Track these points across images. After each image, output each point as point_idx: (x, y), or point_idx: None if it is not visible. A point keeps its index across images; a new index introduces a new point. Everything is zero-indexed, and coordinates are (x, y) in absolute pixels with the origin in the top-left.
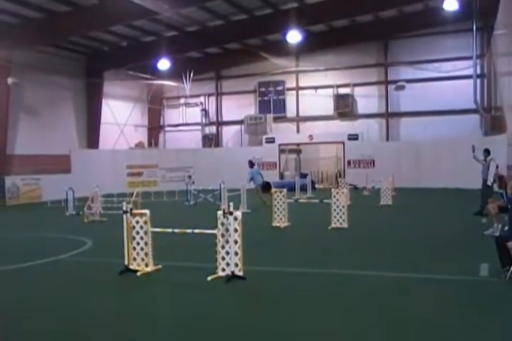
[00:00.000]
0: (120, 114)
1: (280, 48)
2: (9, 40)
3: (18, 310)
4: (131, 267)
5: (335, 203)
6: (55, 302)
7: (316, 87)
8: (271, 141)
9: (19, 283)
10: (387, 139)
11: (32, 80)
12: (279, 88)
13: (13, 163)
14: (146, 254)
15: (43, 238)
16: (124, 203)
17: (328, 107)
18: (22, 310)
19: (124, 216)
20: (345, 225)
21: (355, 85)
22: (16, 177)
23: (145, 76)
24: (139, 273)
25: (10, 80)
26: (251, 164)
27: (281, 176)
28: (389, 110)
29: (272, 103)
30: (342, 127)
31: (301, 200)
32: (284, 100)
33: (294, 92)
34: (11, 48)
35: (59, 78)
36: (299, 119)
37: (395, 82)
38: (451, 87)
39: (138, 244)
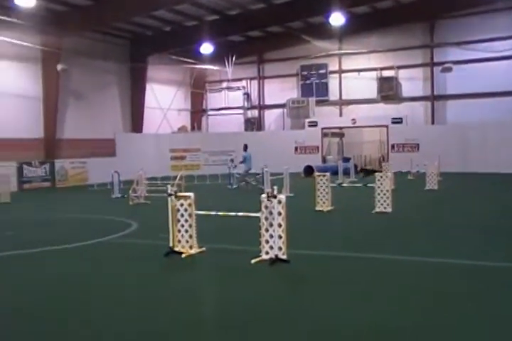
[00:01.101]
0: (163, 98)
1: (323, 31)
2: (58, 28)
3: (67, 287)
4: (176, 249)
5: (379, 187)
6: (102, 282)
7: (359, 70)
8: (313, 124)
9: (69, 263)
10: (433, 122)
11: (79, 66)
12: (322, 71)
13: (61, 147)
14: (191, 236)
15: (90, 219)
16: (169, 186)
17: (371, 90)
18: (71, 286)
19: (169, 199)
20: (389, 209)
21: (399, 67)
22: (64, 161)
23: (188, 60)
24: (183, 255)
25: (59, 66)
26: (245, 147)
27: (324, 160)
28: (434, 93)
29: (314, 86)
30: (386, 110)
31: (344, 184)
32: (326, 83)
33: (337, 75)
34: (61, 35)
35: (105, 63)
36: (341, 103)
37: (441, 63)
38: (503, 67)
39: (182, 226)
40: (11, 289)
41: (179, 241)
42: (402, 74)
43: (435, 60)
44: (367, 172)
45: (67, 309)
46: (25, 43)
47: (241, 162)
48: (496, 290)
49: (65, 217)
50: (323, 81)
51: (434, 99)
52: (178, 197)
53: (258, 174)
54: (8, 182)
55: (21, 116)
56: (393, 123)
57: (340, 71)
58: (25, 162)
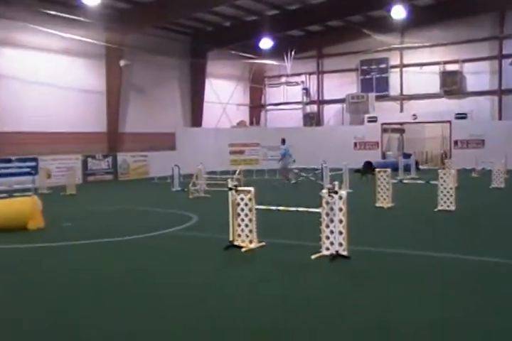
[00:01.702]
0: (223, 93)
1: (384, 24)
2: (122, 25)
3: (127, 278)
4: (235, 243)
5: (442, 184)
6: (163, 274)
7: (421, 64)
8: (373, 120)
9: (128, 254)
10: (500, 118)
11: (141, 61)
12: (382, 66)
13: (124, 141)
14: (251, 231)
15: (151, 212)
16: (229, 180)
17: (433, 85)
18: (131, 277)
19: (229, 193)
20: (452, 208)
21: (464, 61)
22: (126, 154)
23: (247, 55)
24: (243, 249)
25: (122, 62)
26: (283, 142)
27: (383, 156)
28: (502, 87)
29: (374, 81)
30: (449, 105)
31: (405, 181)
32: (387, 78)
33: (398, 70)
34: (124, 32)
35: (166, 59)
36: (402, 98)
37: (510, 56)
38: None
39: (242, 220)
40: (73, 278)
41: (239, 236)
42: (467, 67)
43: (504, 52)
44: (364, 173)
45: (130, 299)
46: (90, 40)
47: (280, 159)
48: None
49: (127, 209)
50: (383, 75)
51: (502, 93)
52: (238, 192)
53: (317, 169)
54: (74, 174)
55: (86, 110)
56: (457, 118)
57: (402, 65)
58: (89, 155)
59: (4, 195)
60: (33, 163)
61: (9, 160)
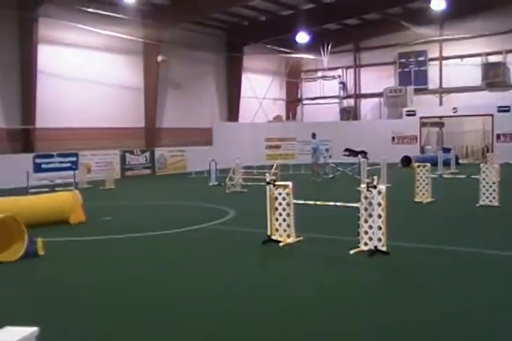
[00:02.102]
0: (259, 88)
1: (423, 16)
2: (158, 21)
3: (164, 271)
4: (273, 237)
5: (484, 179)
6: (203, 267)
7: (461, 56)
8: (411, 113)
9: (171, 248)
10: None
11: (178, 57)
12: (421, 58)
13: (161, 136)
14: (288, 225)
15: (188, 206)
16: (267, 175)
17: (474, 77)
18: (176, 269)
19: (267, 187)
20: (495, 203)
21: (507, 52)
22: (164, 149)
23: (283, 49)
24: (281, 244)
25: (159, 58)
26: (314, 136)
27: (422, 150)
28: None
29: (412, 74)
30: (490, 98)
31: (445, 175)
32: (425, 71)
33: (437, 62)
34: (160, 28)
35: (202, 54)
36: (442, 91)
37: None
38: None
39: (280, 215)
40: (115, 268)
41: (277, 230)
42: (511, 58)
43: None
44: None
45: (169, 288)
46: (128, 37)
47: (313, 154)
48: None
49: (164, 203)
50: (422, 68)
51: None
52: (276, 186)
53: (354, 164)
54: (113, 169)
55: (125, 106)
56: (499, 111)
57: (441, 58)
58: (127, 150)
59: (46, 189)
60: (73, 158)
61: (51, 156)
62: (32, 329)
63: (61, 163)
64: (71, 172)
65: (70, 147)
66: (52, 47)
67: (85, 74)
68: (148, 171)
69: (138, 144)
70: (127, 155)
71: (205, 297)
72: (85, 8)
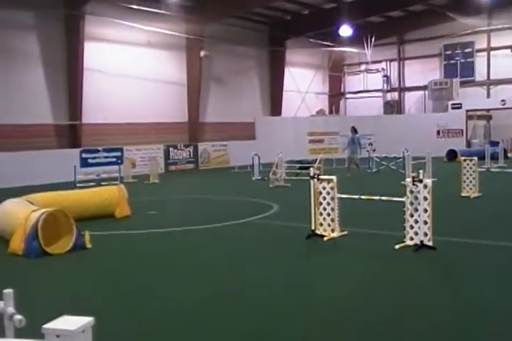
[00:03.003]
0: (301, 82)
1: (469, 6)
2: (201, 16)
3: (221, 262)
4: (317, 232)
5: None
6: (250, 261)
7: (510, 47)
8: (457, 106)
9: (218, 241)
10: None
11: (220, 52)
12: (468, 50)
13: (204, 131)
14: (333, 220)
15: (232, 201)
16: (311, 169)
17: None
18: (224, 262)
19: (311, 181)
20: None
21: None
22: (207, 144)
23: (326, 43)
24: (325, 238)
25: (202, 53)
26: (354, 130)
27: (468, 144)
28: None
29: (458, 66)
30: None
31: (492, 169)
32: (472, 63)
33: (485, 54)
34: (203, 23)
35: (244, 48)
36: (489, 83)
37: None
38: None
39: (324, 209)
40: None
41: (321, 224)
42: None
43: None
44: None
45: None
46: (171, 32)
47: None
48: None
49: (208, 197)
50: (468, 60)
51: None
52: (320, 180)
53: (398, 158)
54: (157, 164)
55: (168, 101)
56: None
57: (489, 49)
58: (171, 145)
59: (93, 183)
60: (118, 153)
61: (97, 151)
62: (88, 319)
63: (106, 157)
64: (116, 167)
65: (115, 142)
66: (97, 44)
67: (129, 70)
68: (191, 165)
69: (181, 139)
70: (171, 149)
71: (244, 291)
72: (129, 5)
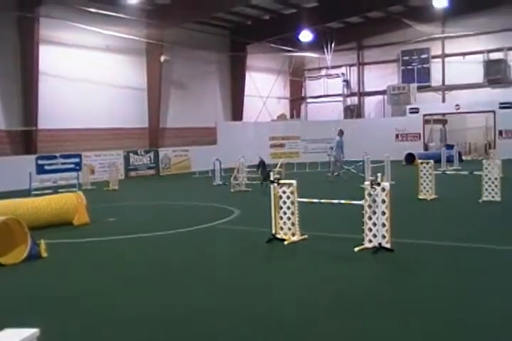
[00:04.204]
0: (263, 87)
1: (425, 14)
2: (161, 20)
3: (180, 269)
4: (278, 236)
5: (486, 175)
6: (210, 266)
7: (464, 54)
8: (415, 111)
9: (177, 248)
10: None
11: (181, 57)
12: (424, 56)
13: (165, 136)
14: (293, 224)
15: (194, 206)
16: (271, 173)
17: (477, 74)
18: (184, 269)
19: (272, 186)
20: (498, 198)
21: (509, 49)
22: (167, 149)
23: (286, 48)
24: (286, 242)
25: (162, 58)
26: (341, 133)
27: (426, 147)
28: None
29: (415, 72)
30: (492, 95)
31: (448, 172)
32: (428, 68)
33: (440, 60)
34: (163, 28)
35: (205, 53)
36: (444, 88)
37: None
38: None
39: (285, 213)
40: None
41: (281, 228)
42: None
43: None
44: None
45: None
46: (131, 37)
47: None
48: None
49: (169, 203)
50: (424, 66)
51: None
52: (280, 184)
53: (358, 162)
54: (117, 170)
55: (128, 106)
56: (501, 108)
57: (444, 55)
58: (131, 151)
59: (49, 190)
60: (76, 159)
61: (54, 157)
62: (32, 331)
63: (64, 164)
64: (74, 174)
65: (73, 148)
66: (54, 47)
67: (87, 75)
68: (152, 171)
69: (142, 144)
70: (131, 155)
71: (205, 296)
72: (87, 8)
